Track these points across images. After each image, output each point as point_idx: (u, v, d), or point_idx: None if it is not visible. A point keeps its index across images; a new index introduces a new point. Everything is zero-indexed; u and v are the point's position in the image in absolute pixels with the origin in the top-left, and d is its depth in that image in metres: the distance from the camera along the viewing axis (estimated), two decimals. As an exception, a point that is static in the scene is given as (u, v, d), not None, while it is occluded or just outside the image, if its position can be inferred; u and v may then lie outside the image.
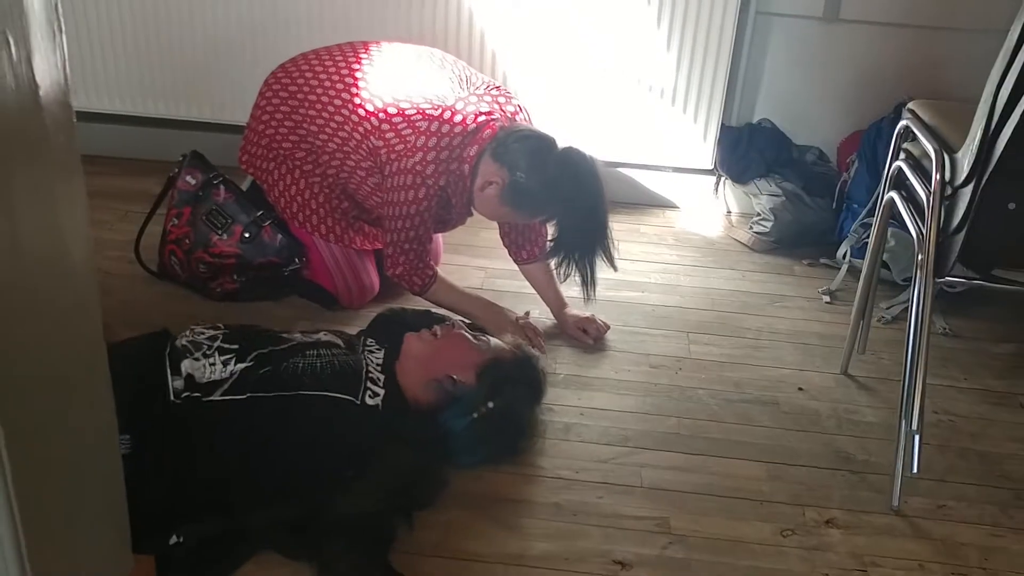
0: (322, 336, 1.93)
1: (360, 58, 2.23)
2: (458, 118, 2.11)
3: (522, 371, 1.93)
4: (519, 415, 1.91)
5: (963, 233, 1.70)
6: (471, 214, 2.27)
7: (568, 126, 2.88)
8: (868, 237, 2.57)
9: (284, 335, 1.90)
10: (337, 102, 2.18)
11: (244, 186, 2.47)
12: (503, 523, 1.75)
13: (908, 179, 1.94)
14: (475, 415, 1.84)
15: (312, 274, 2.33)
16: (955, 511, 1.85)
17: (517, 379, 1.91)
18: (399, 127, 2.11)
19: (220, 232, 2.29)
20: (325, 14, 2.80)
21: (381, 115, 2.13)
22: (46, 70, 1.04)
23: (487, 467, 1.87)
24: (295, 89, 2.22)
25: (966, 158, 1.68)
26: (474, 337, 1.94)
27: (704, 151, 2.88)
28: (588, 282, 2.18)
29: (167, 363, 1.68)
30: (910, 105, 2.01)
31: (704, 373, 2.22)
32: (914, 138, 1.98)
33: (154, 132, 3.05)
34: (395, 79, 2.18)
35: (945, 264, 1.75)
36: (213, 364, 1.73)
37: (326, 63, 2.24)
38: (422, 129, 2.09)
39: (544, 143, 2.10)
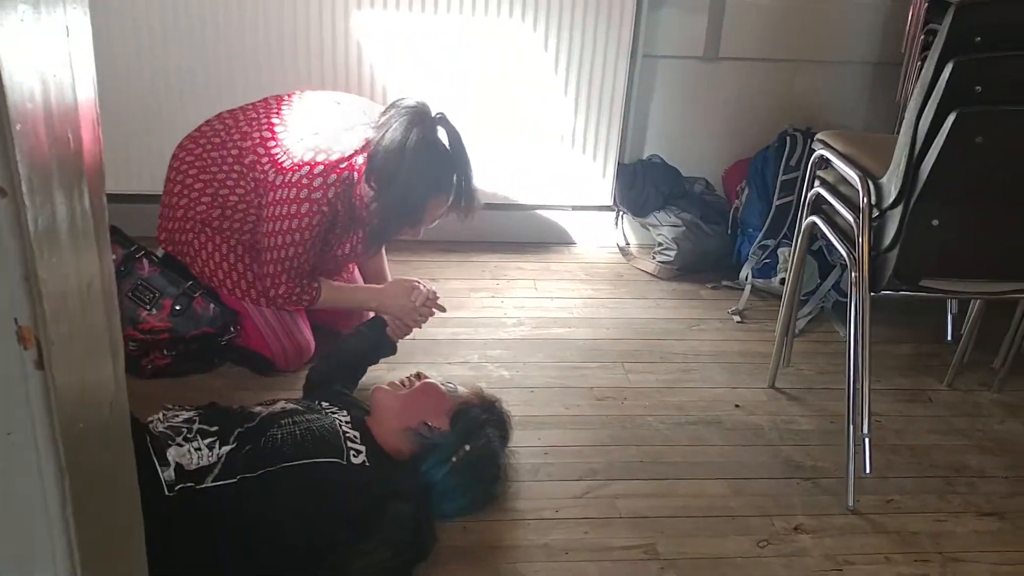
0: (286, 405, 1.89)
1: (271, 114, 2.23)
2: (344, 139, 2.15)
3: (491, 413, 1.96)
4: (495, 456, 1.93)
5: (896, 250, 1.87)
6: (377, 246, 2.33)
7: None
8: (767, 258, 2.77)
9: (250, 410, 1.85)
10: (249, 158, 2.18)
11: (159, 252, 2.40)
12: (502, 571, 1.77)
13: (828, 204, 2.11)
14: (454, 459, 1.85)
15: (247, 340, 2.27)
16: (902, 504, 2.02)
17: (488, 421, 1.94)
18: (287, 146, 2.15)
19: (149, 307, 2.20)
20: (228, 79, 2.75)
21: (287, 163, 2.13)
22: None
23: (468, 514, 1.88)
24: (201, 152, 2.21)
25: (892, 183, 1.86)
26: (442, 384, 1.96)
27: (603, 188, 3.00)
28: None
29: (153, 454, 1.61)
30: (820, 136, 2.19)
31: (647, 400, 2.32)
32: (826, 166, 2.16)
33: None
34: (307, 132, 2.17)
35: (880, 280, 1.92)
36: (198, 449, 1.66)
37: (230, 125, 2.24)
38: (310, 146, 2.13)
39: (417, 149, 2.14)
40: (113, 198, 3.16)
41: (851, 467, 1.98)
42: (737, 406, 2.32)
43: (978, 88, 1.71)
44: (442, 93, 2.83)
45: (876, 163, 1.99)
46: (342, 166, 2.12)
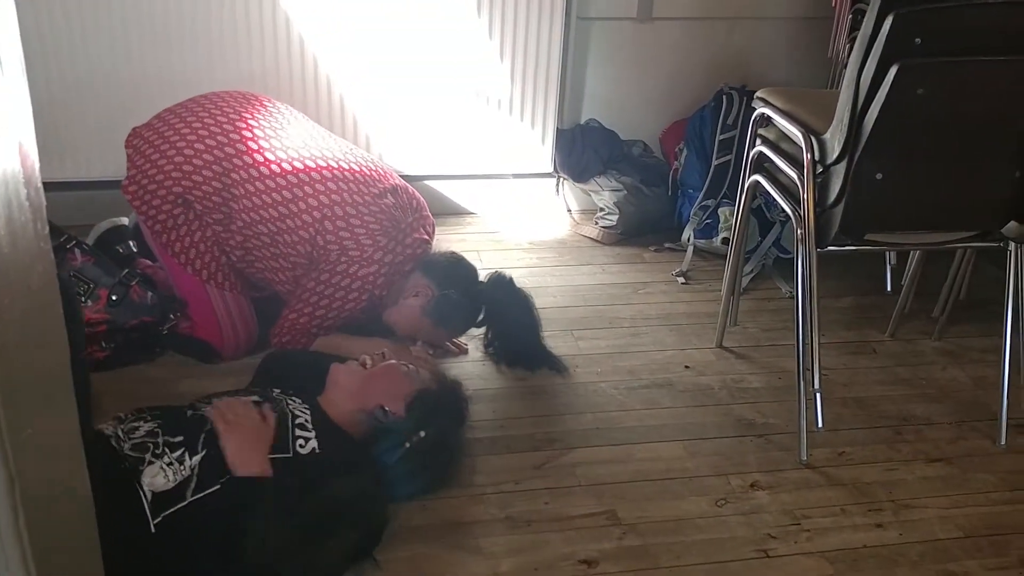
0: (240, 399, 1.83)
1: (316, 158, 2.17)
2: (408, 240, 2.18)
3: (449, 398, 1.94)
4: (450, 442, 1.92)
5: (841, 206, 1.88)
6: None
7: (410, 142, 2.90)
8: (708, 218, 2.78)
9: (202, 413, 1.79)
10: (303, 214, 2.12)
11: (89, 240, 2.32)
12: (464, 548, 1.76)
13: (771, 162, 2.12)
14: (407, 445, 1.83)
15: (191, 327, 2.20)
16: (853, 455, 2.05)
17: (444, 407, 1.91)
18: (358, 234, 2.11)
19: (84, 299, 2.12)
20: (164, 67, 2.65)
21: (339, 222, 2.11)
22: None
23: (425, 496, 1.86)
24: (173, 133, 2.13)
25: (835, 138, 1.86)
26: (404, 366, 1.92)
27: (543, 155, 2.98)
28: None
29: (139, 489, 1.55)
30: (760, 93, 2.19)
31: (599, 366, 2.31)
32: (767, 124, 2.17)
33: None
34: (350, 183, 2.15)
35: (826, 236, 1.94)
36: (170, 464, 1.59)
37: (221, 120, 2.17)
38: (381, 245, 2.13)
39: (472, 269, 2.30)
40: (72, 186, 3.05)
41: (803, 422, 2.01)
42: (687, 367, 2.33)
43: (918, 40, 1.72)
44: (375, 62, 2.78)
45: (817, 119, 2.00)
46: (406, 268, 2.20)
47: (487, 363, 2.31)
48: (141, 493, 1.54)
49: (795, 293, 2.00)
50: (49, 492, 1.09)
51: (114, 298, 2.13)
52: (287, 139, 2.16)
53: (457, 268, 2.27)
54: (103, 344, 2.15)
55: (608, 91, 3.04)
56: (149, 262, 2.31)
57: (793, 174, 2.00)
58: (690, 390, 2.24)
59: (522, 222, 3.05)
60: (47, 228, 1.14)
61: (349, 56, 2.75)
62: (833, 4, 2.87)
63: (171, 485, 1.56)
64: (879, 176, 1.85)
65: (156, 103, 2.29)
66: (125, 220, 2.42)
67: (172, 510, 1.54)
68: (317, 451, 1.73)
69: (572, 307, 2.58)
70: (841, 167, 1.86)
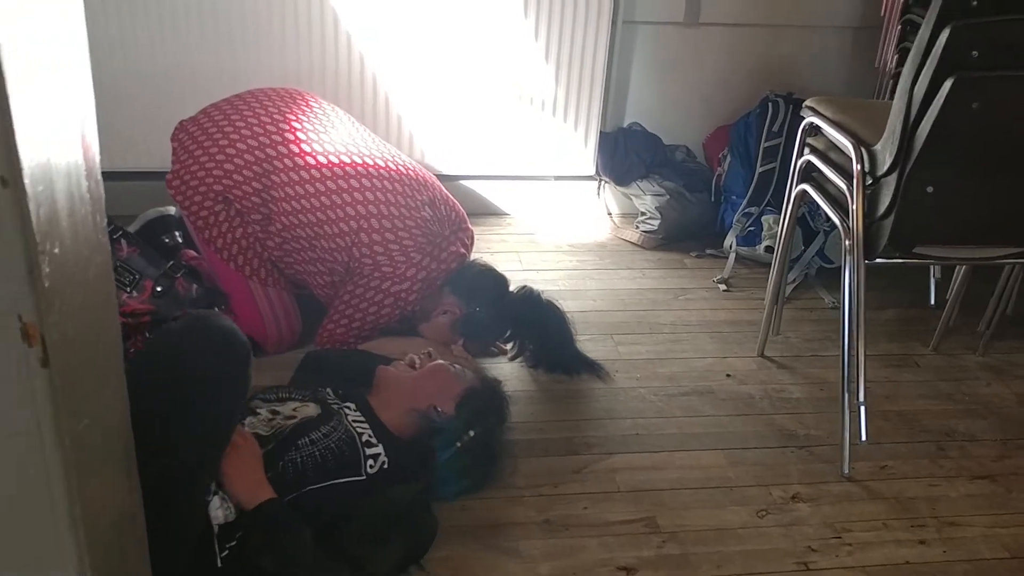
0: (296, 408, 1.83)
1: (355, 165, 2.16)
2: (443, 255, 2.19)
3: (493, 398, 1.94)
4: (496, 442, 1.92)
5: (891, 218, 1.86)
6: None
7: (452, 142, 2.90)
8: (751, 226, 2.76)
9: (253, 408, 1.79)
10: (340, 222, 2.12)
11: (133, 228, 2.34)
12: (503, 550, 1.75)
13: (819, 171, 2.10)
14: (459, 444, 1.83)
15: (234, 321, 2.21)
16: (895, 469, 2.03)
17: (490, 407, 1.92)
18: (391, 249, 2.12)
19: (129, 289, 2.14)
20: (212, 61, 2.67)
21: (375, 236, 2.12)
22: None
23: (468, 496, 1.86)
24: (217, 132, 2.14)
25: (887, 150, 1.84)
26: (452, 366, 1.93)
27: (586, 157, 2.97)
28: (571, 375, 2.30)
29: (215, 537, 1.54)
30: (809, 102, 2.17)
31: (639, 372, 2.30)
32: (816, 133, 2.15)
33: None
34: (392, 193, 2.15)
35: (875, 248, 1.91)
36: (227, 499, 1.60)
37: (263, 118, 2.18)
38: (415, 261, 2.14)
39: (501, 283, 2.28)
40: (108, 176, 3.10)
41: (846, 435, 1.99)
42: (728, 375, 2.31)
43: (975, 53, 1.70)
44: (421, 61, 2.78)
45: (867, 130, 1.98)
46: (439, 283, 2.21)
47: (524, 365, 2.30)
48: (211, 525, 1.53)
49: (841, 304, 1.98)
50: (102, 484, 1.10)
51: (159, 289, 2.15)
52: (329, 143, 2.17)
53: (484, 283, 2.27)
54: (147, 335, 2.17)
55: (651, 95, 3.03)
56: (194, 253, 2.32)
57: (842, 184, 1.98)
58: (731, 399, 2.23)
59: (561, 224, 3.04)
60: (105, 220, 1.15)
61: (395, 55, 2.76)
62: (882, 14, 2.84)
63: (233, 517, 1.55)
64: (930, 189, 1.83)
65: (203, 96, 2.30)
66: (172, 210, 2.43)
67: (232, 544, 1.54)
68: (386, 467, 1.74)
69: (612, 311, 2.57)
70: (892, 179, 1.84)
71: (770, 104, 2.83)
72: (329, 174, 2.12)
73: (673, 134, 3.07)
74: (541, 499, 1.88)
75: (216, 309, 2.19)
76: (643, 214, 2.92)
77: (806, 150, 2.16)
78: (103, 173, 2.94)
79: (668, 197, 2.87)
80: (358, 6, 2.68)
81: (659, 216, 2.85)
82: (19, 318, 0.88)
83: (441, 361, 1.95)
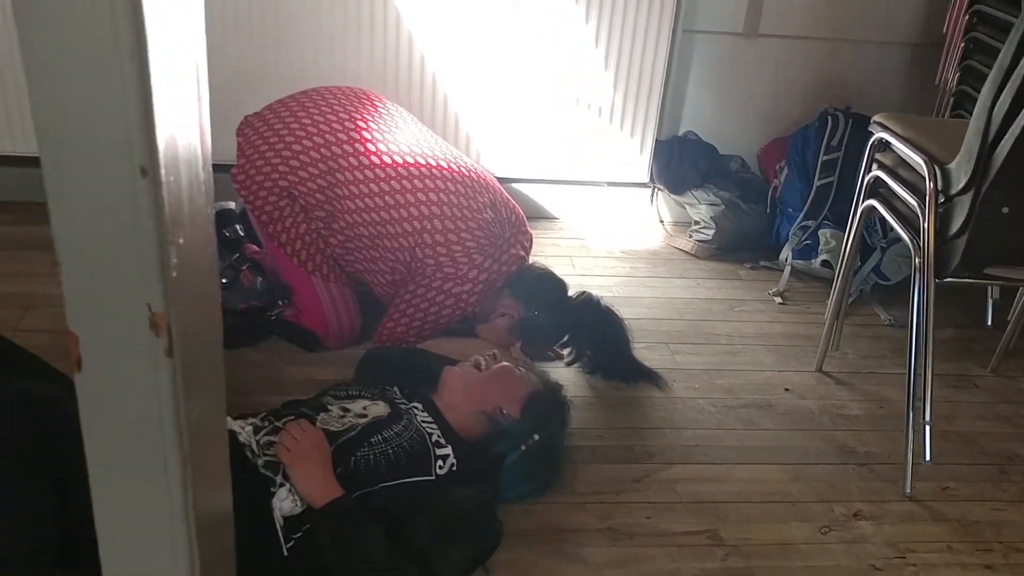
0: (366, 406, 1.83)
1: (420, 165, 2.17)
2: (504, 257, 2.19)
3: (556, 402, 1.94)
4: (559, 447, 1.92)
5: (964, 238, 1.85)
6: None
7: (508, 144, 2.90)
8: (808, 239, 2.75)
9: (324, 404, 1.80)
10: (404, 222, 2.13)
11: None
12: (567, 556, 1.75)
13: (886, 188, 2.09)
14: (524, 447, 1.83)
15: (297, 315, 2.23)
16: (958, 491, 2.01)
17: (554, 411, 1.92)
18: (454, 251, 2.12)
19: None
20: (279, 60, 2.69)
21: (438, 236, 2.12)
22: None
23: (531, 500, 1.86)
24: (283, 128, 2.15)
25: (962, 169, 1.83)
26: (517, 368, 1.93)
27: (640, 165, 2.97)
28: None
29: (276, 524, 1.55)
30: (877, 118, 2.16)
31: (697, 383, 2.30)
32: (884, 149, 2.14)
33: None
34: (456, 194, 2.16)
35: (946, 267, 1.90)
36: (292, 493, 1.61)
37: (329, 116, 2.18)
38: (477, 263, 2.14)
39: (560, 288, 2.27)
40: None
41: (909, 454, 1.98)
42: (787, 390, 2.30)
43: (1061, 75, 1.69)
44: (480, 63, 2.79)
45: (937, 147, 1.97)
46: (499, 285, 2.21)
47: (581, 371, 2.30)
48: (275, 517, 1.54)
49: (909, 323, 1.97)
50: (207, 477, 1.11)
51: (224, 281, 2.16)
52: (394, 143, 2.17)
53: (544, 287, 2.26)
54: (210, 327, 2.18)
55: (707, 105, 3.02)
56: (256, 247, 2.34)
57: (913, 202, 1.97)
58: (790, 413, 2.22)
59: (613, 230, 3.04)
60: (213, 211, 1.16)
61: (455, 55, 2.76)
62: (944, 31, 2.83)
63: (299, 510, 1.56)
64: (1006, 210, 1.81)
65: (267, 93, 2.32)
66: (232, 204, 2.45)
67: (298, 535, 1.55)
68: (455, 469, 1.74)
69: (667, 320, 2.56)
70: (966, 198, 1.83)
71: (829, 118, 2.82)
72: (394, 174, 2.12)
73: (727, 144, 3.06)
74: (603, 506, 1.88)
75: (280, 303, 2.21)
76: (697, 223, 2.92)
77: (874, 166, 2.15)
78: None
79: (723, 207, 2.86)
80: (420, 6, 2.69)
81: (714, 226, 2.85)
82: (148, 307, 0.89)
83: (507, 363, 1.95)
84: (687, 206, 2.97)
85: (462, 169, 2.21)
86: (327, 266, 2.20)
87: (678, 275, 2.81)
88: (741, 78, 3.00)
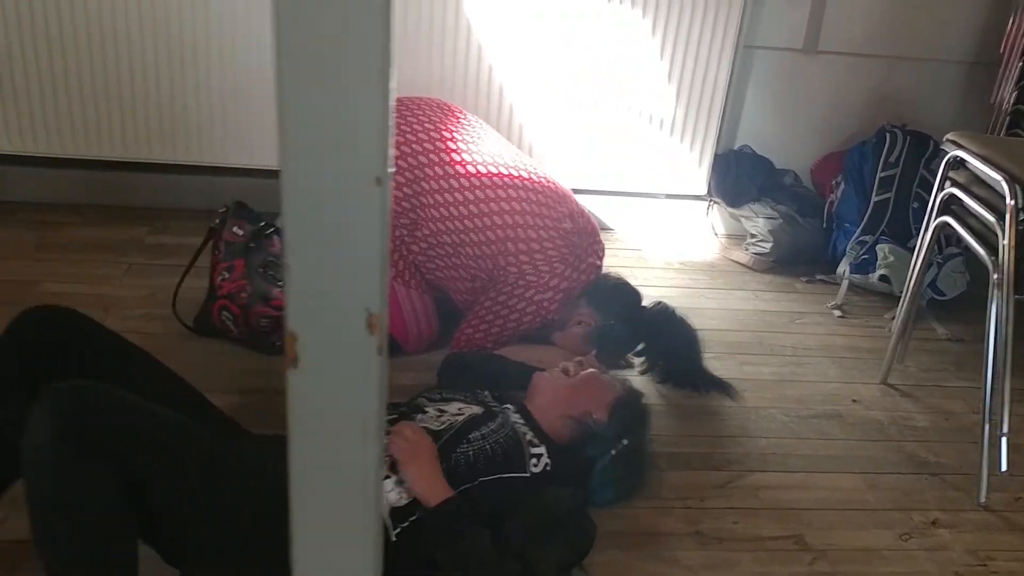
0: (460, 407, 1.87)
1: (503, 175, 2.22)
2: (583, 266, 2.24)
3: (641, 408, 1.98)
4: (647, 452, 1.96)
5: (1048, 254, 1.90)
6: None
7: (569, 154, 2.95)
8: (865, 254, 2.80)
9: (420, 406, 1.84)
10: (487, 231, 2.18)
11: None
12: (661, 559, 1.80)
13: (961, 205, 2.14)
14: (613, 452, 1.87)
15: (376, 321, 2.27)
16: (1031, 502, 2.06)
17: (640, 417, 1.96)
18: (536, 259, 2.16)
19: (281, 284, 2.19)
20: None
21: (521, 245, 2.17)
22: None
23: (617, 504, 1.90)
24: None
25: (1047, 187, 1.88)
26: (604, 375, 1.97)
27: (698, 177, 3.02)
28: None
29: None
30: (951, 136, 2.21)
31: (767, 392, 2.35)
32: (958, 167, 2.19)
33: (130, 176, 2.87)
34: (537, 204, 2.20)
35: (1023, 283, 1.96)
36: (402, 481, 1.64)
37: (416, 127, 2.23)
38: (558, 272, 2.18)
39: (636, 297, 2.32)
40: (236, 172, 3.19)
41: (984, 464, 2.02)
42: (854, 401, 2.35)
43: None
44: (546, 73, 2.84)
45: (1013, 165, 2.02)
46: (575, 293, 2.25)
47: (652, 380, 2.34)
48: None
49: (986, 337, 2.02)
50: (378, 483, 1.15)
51: (311, 287, 2.20)
52: (478, 154, 2.22)
53: (620, 296, 2.31)
54: (293, 330, 2.22)
55: (763, 119, 3.08)
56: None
57: (991, 219, 2.02)
58: (859, 424, 2.26)
59: (669, 242, 3.09)
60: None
61: (522, 66, 2.81)
62: (1001, 50, 2.88)
63: (404, 503, 1.60)
64: (1091, 228, 1.87)
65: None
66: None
67: (407, 523, 1.59)
68: (549, 469, 1.78)
69: (731, 331, 2.61)
70: (1052, 216, 1.88)
71: (887, 135, 2.87)
72: (478, 183, 2.17)
73: (780, 158, 3.11)
74: (690, 511, 1.92)
75: (362, 308, 2.25)
76: (753, 236, 2.97)
77: (947, 183, 2.20)
78: (247, 170, 3.08)
79: (781, 221, 2.91)
80: (491, 18, 2.74)
81: (771, 239, 2.90)
82: (367, 310, 0.94)
83: (594, 370, 2.00)
84: (743, 219, 3.02)
85: (542, 180, 2.25)
86: (408, 273, 2.25)
87: (737, 287, 2.85)
88: (798, 94, 3.05)
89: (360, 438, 0.99)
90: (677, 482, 2.00)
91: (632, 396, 2.00)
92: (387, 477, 1.62)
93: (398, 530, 1.58)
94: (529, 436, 1.81)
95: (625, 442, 1.89)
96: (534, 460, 1.77)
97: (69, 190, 2.87)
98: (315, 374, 0.94)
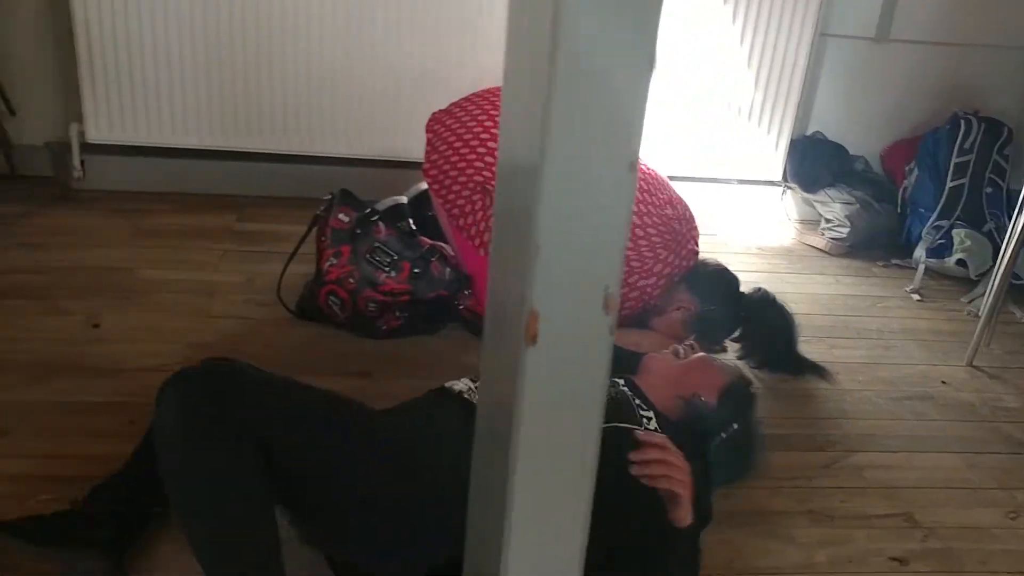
0: None
1: None
2: (683, 251, 2.28)
3: (751, 395, 2.03)
4: (757, 435, 2.00)
5: None
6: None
7: (648, 143, 2.99)
8: (941, 239, 2.83)
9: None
10: None
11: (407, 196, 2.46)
12: (776, 536, 1.84)
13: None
14: (723, 435, 1.92)
15: (478, 305, 2.32)
16: None
17: (749, 401, 2.00)
18: (640, 245, 2.21)
19: (388, 270, 2.24)
20: (460, 59, 2.79)
21: (634, 258, 2.21)
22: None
23: (726, 486, 1.95)
24: (475, 125, 2.23)
25: None
26: (715, 359, 2.02)
27: (774, 163, 3.06)
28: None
29: None
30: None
31: (860, 375, 2.39)
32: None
33: (213, 164, 2.92)
34: (641, 191, 2.25)
35: None
36: None
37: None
38: (661, 257, 2.23)
39: (735, 283, 2.35)
40: (338, 161, 3.23)
41: (1083, 445, 2.07)
42: (943, 383, 2.39)
43: None
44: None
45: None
46: (676, 278, 2.30)
47: (748, 365, 2.39)
48: None
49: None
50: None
51: (416, 271, 2.25)
52: None
53: (719, 282, 2.35)
54: (397, 313, 2.28)
55: (835, 106, 3.11)
56: (429, 240, 2.42)
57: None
58: (951, 405, 2.31)
59: (744, 228, 3.12)
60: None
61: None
62: (1075, 36, 2.91)
63: None
64: None
65: (451, 90, 2.41)
66: (404, 199, 2.53)
67: None
68: (658, 430, 1.82)
69: (816, 315, 2.65)
70: None
71: (962, 122, 2.90)
72: None
73: (850, 145, 3.14)
74: (798, 490, 1.97)
75: (465, 292, 2.30)
76: (829, 221, 3.00)
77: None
78: (348, 160, 3.11)
79: (857, 206, 2.95)
80: None
81: (848, 224, 2.93)
82: (606, 288, 0.98)
83: (704, 353, 2.04)
84: (818, 204, 3.05)
85: (643, 166, 2.29)
86: None
87: (816, 271, 2.89)
88: (869, 81, 3.08)
89: (585, 416, 1.04)
90: (783, 462, 2.05)
91: (743, 382, 2.04)
92: None
93: None
94: (638, 402, 1.86)
95: (735, 426, 1.94)
96: (645, 420, 1.81)
97: (150, 178, 2.91)
98: (551, 353, 0.99)
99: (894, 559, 1.81)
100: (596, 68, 0.87)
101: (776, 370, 2.34)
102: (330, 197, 2.32)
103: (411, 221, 2.48)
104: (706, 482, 1.86)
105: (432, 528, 1.48)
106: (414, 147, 2.87)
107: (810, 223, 3.13)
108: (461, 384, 1.79)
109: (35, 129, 2.88)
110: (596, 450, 1.10)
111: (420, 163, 2.87)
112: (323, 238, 2.29)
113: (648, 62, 0.89)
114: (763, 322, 2.32)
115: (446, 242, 2.38)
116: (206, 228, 2.76)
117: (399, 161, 2.87)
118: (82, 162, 2.85)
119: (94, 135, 2.79)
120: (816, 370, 2.34)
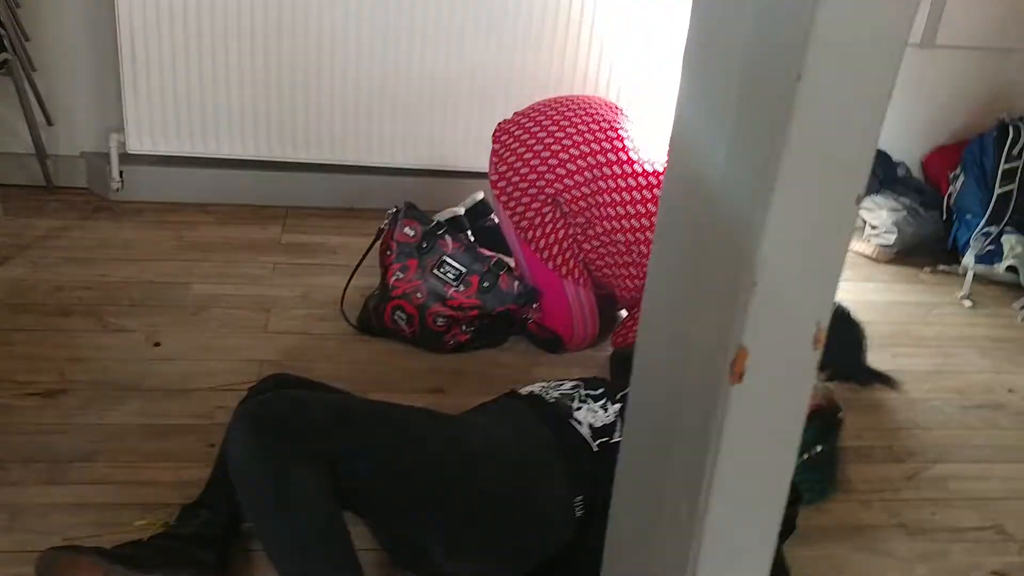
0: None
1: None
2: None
3: (839, 419, 2.01)
4: (840, 457, 1.98)
5: None
6: None
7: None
8: (990, 245, 2.83)
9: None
10: (599, 174, 2.21)
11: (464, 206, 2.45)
12: (875, 551, 1.82)
13: None
14: (806, 456, 1.90)
15: (544, 318, 2.28)
16: None
17: (835, 424, 1.98)
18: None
19: (456, 284, 2.20)
20: (515, 64, 2.76)
21: None
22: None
23: (809, 505, 1.93)
24: (544, 134, 2.20)
25: None
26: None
27: (819, 170, 3.04)
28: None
29: (571, 419, 1.64)
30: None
31: (926, 384, 2.38)
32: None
33: (255, 175, 2.86)
34: None
35: None
36: (596, 411, 1.68)
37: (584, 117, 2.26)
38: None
39: None
40: (379, 171, 3.17)
41: None
42: (1010, 391, 2.39)
43: None
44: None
45: None
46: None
47: (819, 377, 2.37)
48: (576, 425, 1.63)
49: None
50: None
51: (485, 285, 2.21)
52: (646, 153, 2.23)
53: None
54: (463, 327, 2.24)
55: (877, 112, 3.09)
56: (489, 252, 2.38)
57: None
58: (1021, 413, 2.30)
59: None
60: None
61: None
62: (1116, 42, 2.92)
63: (599, 425, 1.65)
64: None
65: (516, 99, 2.37)
66: (461, 210, 2.50)
67: (608, 440, 1.63)
68: None
69: (873, 322, 2.62)
70: None
71: (1010, 127, 2.90)
72: (655, 182, 2.18)
73: (892, 151, 3.14)
74: (887, 503, 1.95)
75: (533, 305, 2.26)
76: (875, 227, 2.99)
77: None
78: (390, 170, 3.06)
79: (904, 212, 2.94)
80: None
81: (895, 231, 2.92)
82: (816, 324, 0.95)
83: None
84: (864, 211, 3.04)
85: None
86: (578, 271, 2.26)
87: (865, 278, 2.88)
88: (912, 87, 3.07)
89: (785, 446, 1.02)
90: (867, 475, 2.03)
91: (832, 407, 2.02)
92: (578, 409, 1.66)
93: (598, 443, 1.62)
94: None
95: (819, 448, 1.92)
96: None
97: (188, 189, 2.85)
98: (758, 388, 0.96)
99: (995, 573, 1.79)
100: (837, 100, 0.84)
101: (843, 379, 2.32)
102: (395, 210, 2.27)
103: (470, 234, 2.45)
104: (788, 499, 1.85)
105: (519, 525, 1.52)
106: (460, 156, 2.84)
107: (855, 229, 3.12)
108: (531, 387, 1.76)
109: (71, 139, 2.81)
110: (788, 485, 1.07)
111: (464, 172, 2.86)
112: (388, 252, 2.25)
113: (881, 99, 0.87)
114: (838, 335, 2.30)
115: (507, 254, 2.34)
116: (253, 240, 2.70)
117: (441, 170, 2.83)
118: (120, 172, 2.78)
119: (135, 146, 2.72)
120: (884, 380, 2.32)
